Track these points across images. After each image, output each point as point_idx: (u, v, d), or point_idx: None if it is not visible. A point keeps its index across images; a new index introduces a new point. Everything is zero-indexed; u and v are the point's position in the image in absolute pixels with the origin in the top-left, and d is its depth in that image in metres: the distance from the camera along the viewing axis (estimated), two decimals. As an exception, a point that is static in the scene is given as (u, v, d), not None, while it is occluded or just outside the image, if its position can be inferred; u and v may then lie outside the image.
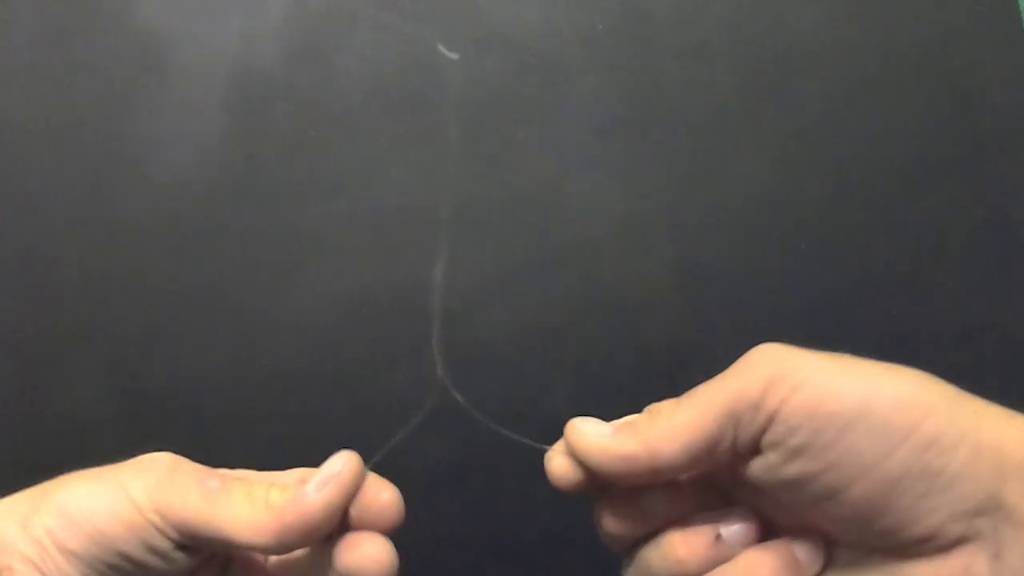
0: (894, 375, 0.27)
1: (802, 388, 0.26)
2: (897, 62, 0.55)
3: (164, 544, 0.30)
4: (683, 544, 0.29)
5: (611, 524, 0.31)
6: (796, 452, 0.26)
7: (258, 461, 0.54)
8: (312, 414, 0.52)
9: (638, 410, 0.49)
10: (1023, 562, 0.24)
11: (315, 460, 0.55)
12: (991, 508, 0.25)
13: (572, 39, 0.55)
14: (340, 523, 0.31)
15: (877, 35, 0.55)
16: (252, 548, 0.30)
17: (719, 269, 0.54)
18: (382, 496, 0.31)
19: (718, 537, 0.29)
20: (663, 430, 0.28)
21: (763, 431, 0.27)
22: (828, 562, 0.29)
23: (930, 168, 0.55)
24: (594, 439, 0.29)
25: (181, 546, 0.30)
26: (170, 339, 0.52)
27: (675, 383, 0.52)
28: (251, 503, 0.30)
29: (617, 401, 0.52)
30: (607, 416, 0.51)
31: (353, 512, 0.31)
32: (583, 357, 0.53)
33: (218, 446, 0.52)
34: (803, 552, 0.28)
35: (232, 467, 0.52)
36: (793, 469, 0.27)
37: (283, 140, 0.53)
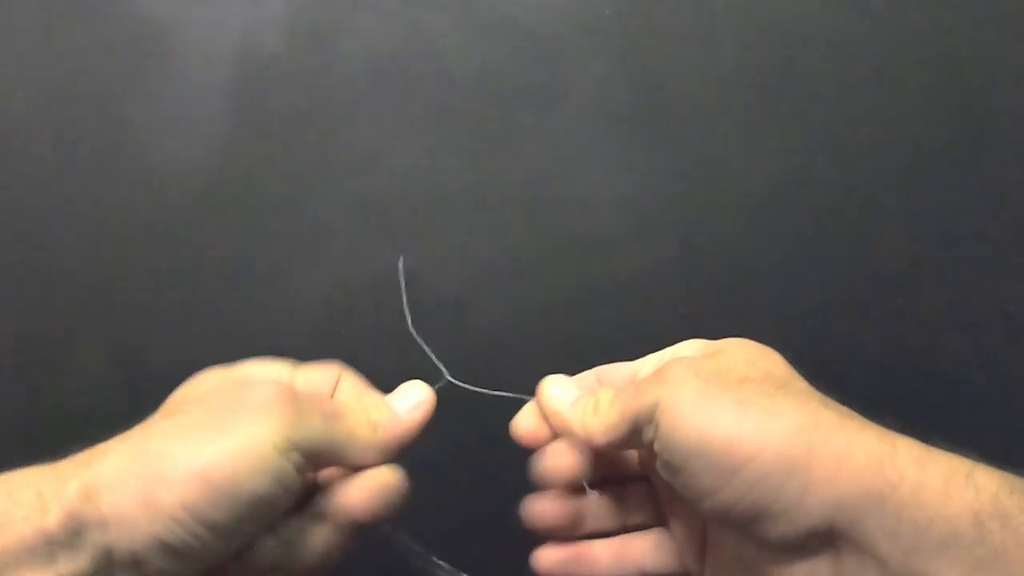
0: (740, 414, 0.30)
1: (669, 416, 0.31)
2: (905, 51, 0.55)
3: (291, 477, 0.31)
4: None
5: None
6: (665, 465, 0.32)
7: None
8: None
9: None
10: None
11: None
12: (824, 532, 0.28)
13: (578, 24, 0.55)
14: None
15: (885, 24, 0.55)
16: (361, 463, 0.34)
17: (725, 256, 0.54)
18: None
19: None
20: (596, 425, 0.34)
21: (650, 441, 0.32)
22: (714, 548, 0.34)
23: (936, 157, 0.54)
24: (553, 410, 0.36)
25: (298, 473, 0.32)
26: (173, 326, 0.52)
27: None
28: (359, 426, 0.34)
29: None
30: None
31: None
32: (588, 345, 0.53)
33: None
34: None
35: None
36: (667, 475, 0.32)
37: (287, 126, 0.53)
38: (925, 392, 0.53)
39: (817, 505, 0.28)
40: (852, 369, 0.53)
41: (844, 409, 0.31)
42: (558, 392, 0.37)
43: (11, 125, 0.53)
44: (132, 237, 0.53)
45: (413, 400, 0.36)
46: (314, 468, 0.33)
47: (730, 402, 0.30)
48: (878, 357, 0.53)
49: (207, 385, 0.35)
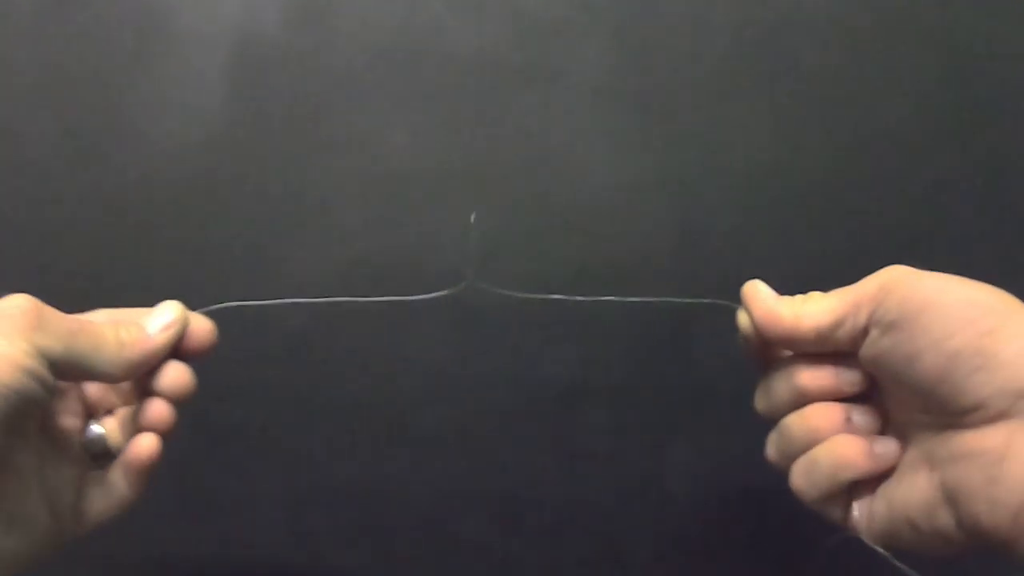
0: (975, 286, 0.34)
1: (902, 285, 0.35)
2: (897, 28, 0.55)
3: (48, 379, 0.34)
4: (820, 416, 0.38)
5: (762, 398, 0.40)
6: (888, 327, 0.35)
7: (271, 431, 0.55)
8: (318, 376, 0.53)
9: (641, 371, 0.51)
10: None
11: (328, 427, 0.56)
12: None
13: (574, 3, 0.55)
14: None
15: (879, 4, 0.55)
16: (107, 376, 0.37)
17: (719, 232, 0.54)
18: (203, 327, 0.40)
19: (848, 419, 0.37)
20: (808, 308, 0.37)
21: (871, 314, 0.35)
22: (908, 438, 0.37)
23: (930, 134, 0.55)
24: (761, 298, 0.39)
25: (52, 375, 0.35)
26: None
27: (676, 344, 0.54)
28: (105, 342, 0.37)
29: (620, 362, 0.54)
30: (612, 372, 0.53)
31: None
32: (585, 320, 0.54)
33: (227, 413, 0.54)
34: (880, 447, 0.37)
35: (252, 434, 0.54)
36: (886, 340, 0.35)
37: (285, 104, 0.54)
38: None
39: None
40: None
41: None
42: (764, 288, 0.39)
43: (7, 109, 0.53)
44: (129, 219, 0.53)
45: (164, 320, 0.39)
46: (65, 376, 0.36)
47: (957, 279, 0.34)
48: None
49: None
